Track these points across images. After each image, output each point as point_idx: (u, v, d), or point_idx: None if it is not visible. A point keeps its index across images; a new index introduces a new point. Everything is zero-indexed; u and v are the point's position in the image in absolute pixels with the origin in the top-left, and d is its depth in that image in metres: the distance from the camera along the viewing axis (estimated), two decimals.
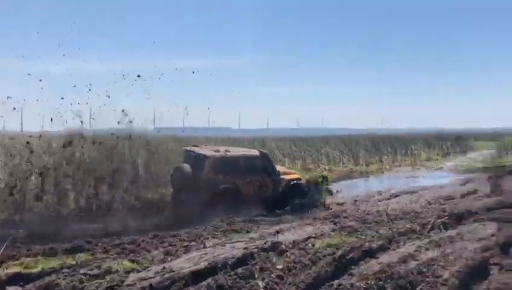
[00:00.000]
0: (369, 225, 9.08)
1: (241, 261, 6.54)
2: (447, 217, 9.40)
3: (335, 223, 9.30)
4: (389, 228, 8.73)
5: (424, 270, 6.23)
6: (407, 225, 8.88)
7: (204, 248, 7.37)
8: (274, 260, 6.66)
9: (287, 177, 12.34)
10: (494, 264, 6.81)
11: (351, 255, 6.79)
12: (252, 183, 11.40)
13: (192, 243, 7.66)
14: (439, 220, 9.15)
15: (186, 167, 10.98)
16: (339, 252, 6.78)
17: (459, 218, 9.61)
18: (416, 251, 7.32)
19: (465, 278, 6.06)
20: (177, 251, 7.14)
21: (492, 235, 8.19)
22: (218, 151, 11.54)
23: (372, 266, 6.48)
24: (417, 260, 6.72)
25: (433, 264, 6.46)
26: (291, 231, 8.79)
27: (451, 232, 8.57)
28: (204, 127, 23.53)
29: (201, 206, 10.20)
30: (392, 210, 10.44)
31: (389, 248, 7.56)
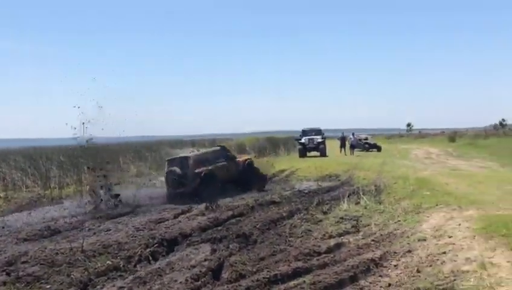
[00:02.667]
0: (58, 269, 7.16)
1: None
2: (156, 245, 8.40)
3: (8, 273, 6.96)
4: (85, 269, 7.08)
5: None
6: (108, 261, 7.42)
7: None
8: None
9: (241, 159, 18.21)
10: None
11: None
12: (221, 167, 16.37)
13: None
14: (147, 250, 8.07)
15: (176, 169, 15.47)
16: None
17: (171, 244, 8.73)
18: None
19: None
20: None
21: (205, 259, 7.62)
22: (193, 151, 17.84)
23: None
24: None
25: None
26: None
27: (161, 263, 7.61)
28: None
29: (193, 192, 14.63)
30: (90, 245, 8.69)
31: None
